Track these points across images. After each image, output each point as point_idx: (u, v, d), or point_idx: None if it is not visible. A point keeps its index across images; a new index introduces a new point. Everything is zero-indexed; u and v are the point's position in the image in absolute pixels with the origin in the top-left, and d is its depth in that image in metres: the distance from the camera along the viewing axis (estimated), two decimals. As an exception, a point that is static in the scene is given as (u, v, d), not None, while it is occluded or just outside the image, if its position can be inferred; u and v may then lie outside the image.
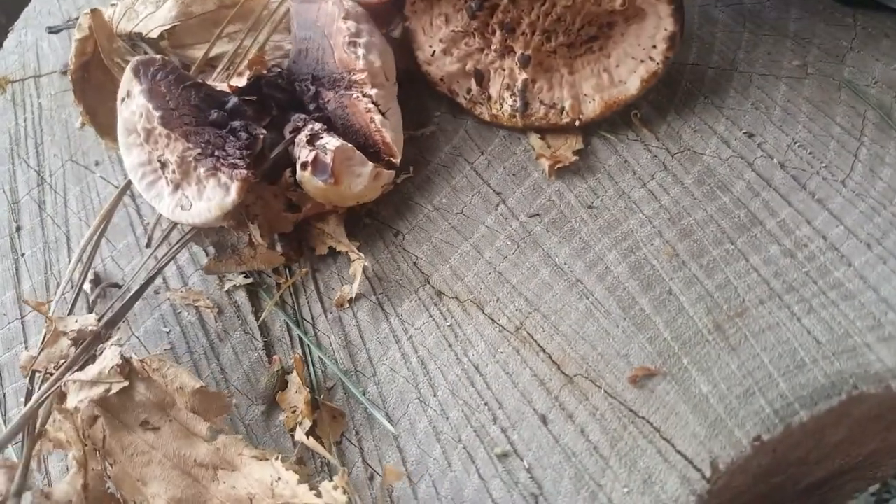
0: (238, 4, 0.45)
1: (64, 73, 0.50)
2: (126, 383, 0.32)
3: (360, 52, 0.38)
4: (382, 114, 0.38)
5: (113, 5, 0.44)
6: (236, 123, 0.38)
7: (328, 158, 0.37)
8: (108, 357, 0.33)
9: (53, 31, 0.52)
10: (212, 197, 0.37)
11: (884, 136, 0.39)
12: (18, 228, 0.46)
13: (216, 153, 0.37)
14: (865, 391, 0.32)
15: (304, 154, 0.38)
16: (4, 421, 0.39)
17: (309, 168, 0.37)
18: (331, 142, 0.37)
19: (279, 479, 0.31)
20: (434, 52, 0.41)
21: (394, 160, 0.39)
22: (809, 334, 0.34)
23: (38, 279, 0.44)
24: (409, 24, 0.42)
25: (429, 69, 0.42)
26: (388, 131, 0.39)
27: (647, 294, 0.36)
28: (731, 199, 0.38)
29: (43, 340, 0.35)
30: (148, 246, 0.41)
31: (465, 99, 0.42)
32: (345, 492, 0.29)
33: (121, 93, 0.39)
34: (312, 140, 0.38)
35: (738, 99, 0.41)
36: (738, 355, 0.33)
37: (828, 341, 0.33)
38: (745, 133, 0.40)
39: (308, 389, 0.35)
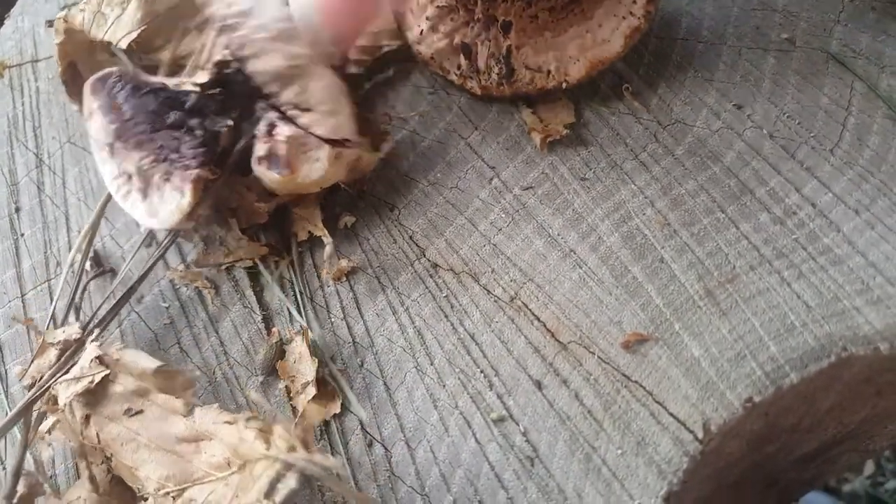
0: None
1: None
2: (106, 371, 0.33)
3: (250, 65, 0.37)
4: (306, 109, 0.37)
5: (82, 10, 0.44)
6: (193, 122, 0.37)
7: (281, 150, 0.36)
8: (87, 353, 0.34)
9: (52, 24, 0.52)
10: (170, 201, 0.37)
11: (870, 105, 0.39)
12: (17, 209, 0.47)
13: (170, 157, 0.37)
14: (854, 353, 0.33)
15: (259, 148, 0.37)
16: (6, 395, 0.40)
17: (264, 163, 0.37)
18: (283, 131, 0.37)
19: (241, 439, 0.31)
20: (422, 30, 0.42)
21: (347, 144, 0.38)
22: (799, 298, 0.34)
23: (38, 258, 0.44)
24: (396, 8, 0.42)
25: (419, 48, 0.43)
26: (321, 123, 0.37)
27: (639, 262, 0.36)
28: (721, 169, 0.38)
29: (34, 352, 0.36)
30: (149, 245, 0.42)
31: (456, 75, 0.43)
32: (287, 441, 0.29)
33: (84, 112, 0.39)
34: (269, 131, 0.37)
35: (728, 72, 0.41)
36: (728, 320, 0.34)
37: (817, 305, 0.34)
38: (734, 105, 0.40)
39: (319, 363, 0.36)
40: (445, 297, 0.38)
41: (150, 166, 0.37)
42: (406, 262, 0.39)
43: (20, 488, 0.34)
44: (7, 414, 0.38)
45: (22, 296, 0.43)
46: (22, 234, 0.45)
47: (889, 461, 1.04)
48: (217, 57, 0.39)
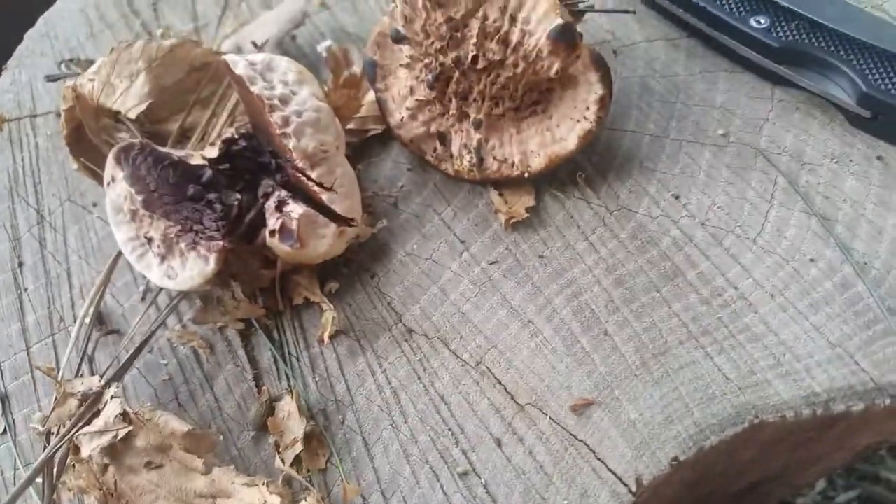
0: (209, 67, 0.48)
1: (59, 114, 0.54)
2: (130, 428, 0.37)
3: (291, 142, 0.41)
4: (328, 189, 0.42)
5: (91, 80, 0.47)
6: (212, 196, 0.42)
7: (293, 225, 0.41)
8: (111, 408, 0.38)
9: (52, 79, 0.55)
10: (193, 267, 0.41)
11: (790, 199, 0.45)
12: (21, 264, 0.50)
13: (194, 227, 0.42)
14: (765, 419, 0.39)
15: (271, 222, 0.42)
16: (15, 445, 0.43)
17: (277, 235, 0.42)
18: (295, 209, 0.42)
19: (265, 502, 0.36)
20: (402, 118, 0.47)
21: (352, 224, 0.43)
22: (720, 371, 0.40)
23: (42, 313, 0.48)
24: (380, 95, 0.47)
25: (399, 132, 0.48)
26: (338, 203, 0.42)
27: (587, 334, 0.42)
28: (658, 253, 0.44)
29: (54, 401, 0.39)
30: (143, 299, 0.46)
31: (432, 157, 0.48)
32: None
33: (106, 177, 0.43)
34: (280, 207, 0.42)
35: (669, 164, 0.47)
36: (660, 388, 0.40)
37: (735, 377, 0.40)
38: (672, 195, 0.46)
39: (307, 420, 0.40)
40: (419, 360, 0.43)
41: (178, 235, 0.41)
42: (384, 327, 0.44)
43: None
44: (15, 462, 0.42)
45: (27, 349, 0.46)
46: (26, 289, 0.49)
47: (840, 476, 1.09)
48: (226, 134, 0.44)
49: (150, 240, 0.42)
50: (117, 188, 0.42)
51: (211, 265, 0.41)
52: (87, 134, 0.47)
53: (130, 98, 0.46)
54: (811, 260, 0.43)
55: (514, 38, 0.42)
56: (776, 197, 0.46)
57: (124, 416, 0.37)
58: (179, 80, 0.47)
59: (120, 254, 0.44)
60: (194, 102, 0.47)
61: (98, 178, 0.46)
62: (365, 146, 0.50)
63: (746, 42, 0.49)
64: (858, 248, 0.43)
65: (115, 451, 0.37)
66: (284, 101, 0.41)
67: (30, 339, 0.47)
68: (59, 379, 0.40)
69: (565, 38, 0.41)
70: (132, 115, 0.46)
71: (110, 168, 0.43)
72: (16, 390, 0.45)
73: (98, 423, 0.37)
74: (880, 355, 0.40)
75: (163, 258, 0.42)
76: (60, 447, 0.38)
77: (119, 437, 0.37)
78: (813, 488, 1.10)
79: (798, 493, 1.02)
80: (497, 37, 0.42)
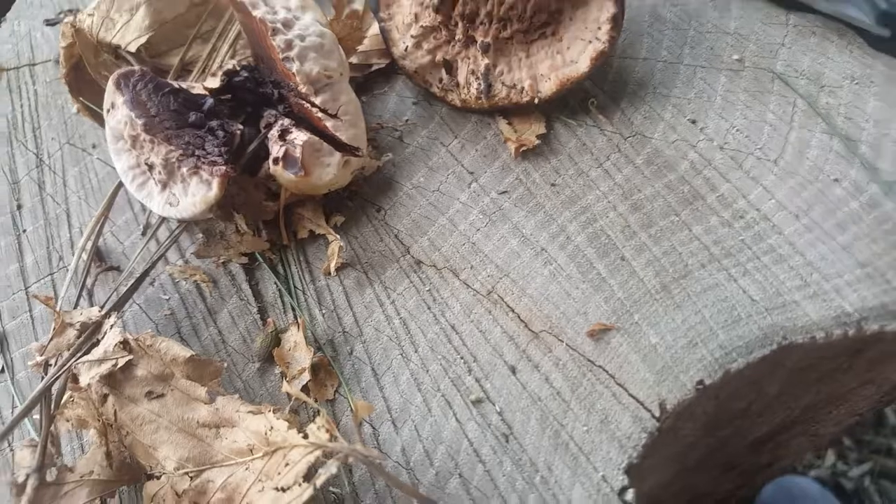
0: (209, 2, 0.47)
1: (58, 62, 0.53)
2: (130, 356, 0.36)
3: (294, 66, 0.40)
4: (333, 116, 0.41)
5: (90, 15, 0.46)
6: (213, 123, 0.41)
7: (297, 153, 0.40)
8: (111, 337, 0.36)
9: (50, 23, 0.54)
10: (196, 193, 0.40)
11: (810, 121, 0.44)
12: (19, 206, 0.49)
13: (197, 153, 0.40)
14: (794, 341, 0.37)
15: (275, 150, 0.41)
16: (13, 383, 0.42)
17: (280, 163, 0.40)
18: (299, 136, 0.40)
19: (272, 428, 0.34)
20: (407, 47, 0.45)
21: (357, 153, 0.42)
22: (745, 293, 0.38)
23: (41, 253, 0.46)
24: (383, 25, 0.46)
25: (404, 63, 0.46)
26: (343, 131, 0.41)
27: (603, 260, 0.40)
28: (676, 177, 0.42)
29: (52, 331, 0.38)
30: (144, 234, 0.44)
31: (438, 88, 0.46)
32: (328, 430, 0.32)
33: (105, 104, 0.42)
34: (283, 135, 0.41)
35: (684, 89, 0.46)
36: (682, 312, 0.38)
37: (761, 299, 0.38)
38: (689, 119, 0.44)
39: (313, 349, 0.39)
40: (428, 290, 0.41)
41: (179, 160, 0.40)
42: (392, 259, 0.43)
43: (24, 459, 0.36)
44: (13, 401, 0.41)
45: (26, 288, 0.45)
46: (24, 231, 0.47)
47: (851, 450, 1.08)
48: (227, 66, 0.42)
49: (150, 166, 0.41)
50: (117, 114, 0.41)
51: (214, 190, 0.39)
52: (87, 71, 0.46)
53: (130, 32, 0.45)
54: (835, 180, 0.41)
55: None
56: (796, 119, 0.44)
57: (124, 344, 0.36)
58: (180, 14, 0.46)
59: (120, 185, 0.43)
60: (195, 37, 0.46)
61: (97, 117, 0.45)
62: (368, 81, 0.49)
63: (762, -36, 0.47)
64: (885, 167, 0.41)
65: (115, 381, 0.36)
66: (287, 25, 0.40)
67: (28, 278, 0.45)
68: (57, 310, 0.38)
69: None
70: (132, 48, 0.45)
71: (110, 94, 0.41)
72: (14, 330, 0.44)
73: (97, 352, 0.36)
74: (911, 273, 0.38)
75: (164, 185, 0.41)
76: (59, 377, 0.36)
77: (119, 366, 0.36)
78: (823, 460, 1.08)
79: (818, 450, 1.00)
80: None
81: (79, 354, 0.37)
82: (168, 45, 0.46)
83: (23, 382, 0.42)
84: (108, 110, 0.41)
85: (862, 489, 1.06)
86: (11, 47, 0.57)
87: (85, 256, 0.42)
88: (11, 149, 0.51)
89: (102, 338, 0.37)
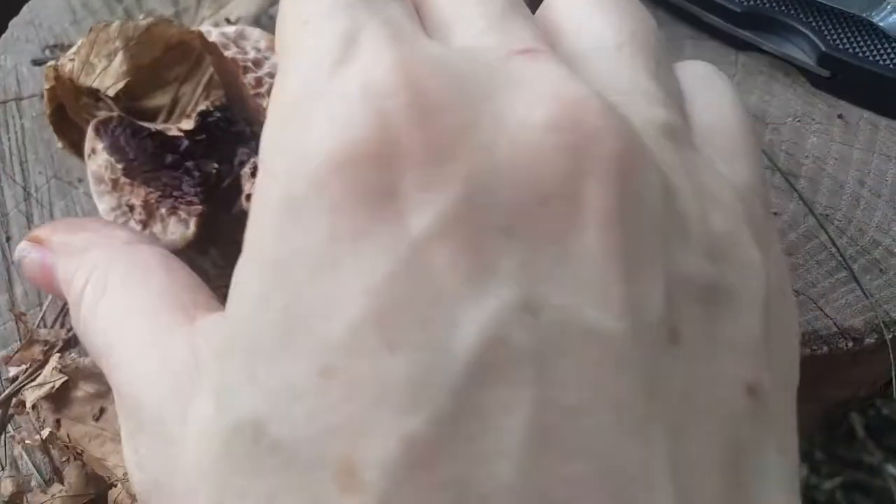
0: (184, 44, 0.49)
1: (42, 97, 0.55)
2: (65, 378, 0.39)
3: (265, 102, 0.41)
4: None
5: (71, 59, 0.48)
6: (189, 164, 0.43)
7: None
8: (50, 363, 0.40)
9: (37, 63, 0.56)
10: (174, 232, 0.43)
11: (754, 157, 0.47)
12: (8, 238, 0.51)
13: (174, 193, 0.43)
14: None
15: (247, 186, 0.43)
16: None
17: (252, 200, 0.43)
18: None
19: None
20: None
21: None
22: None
23: (29, 284, 0.49)
24: None
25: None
26: None
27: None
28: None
29: (20, 343, 0.41)
30: None
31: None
32: None
33: (86, 149, 0.44)
34: (254, 172, 0.43)
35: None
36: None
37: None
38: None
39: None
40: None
41: (157, 201, 0.42)
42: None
43: (6, 488, 0.39)
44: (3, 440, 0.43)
45: (16, 319, 0.47)
46: (13, 262, 0.49)
47: (823, 463, 1.11)
48: (201, 107, 0.45)
49: (131, 207, 0.43)
50: (98, 159, 0.44)
51: (191, 228, 0.42)
52: (69, 112, 0.48)
53: (109, 77, 0.47)
54: (776, 213, 0.44)
55: None
56: (742, 155, 0.47)
57: (63, 367, 0.39)
58: (156, 57, 0.49)
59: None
60: (172, 80, 0.48)
61: (81, 153, 0.47)
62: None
63: (709, 8, 0.50)
64: (821, 201, 0.45)
65: (62, 405, 0.39)
66: (258, 64, 0.43)
67: (18, 309, 0.48)
68: (28, 326, 0.41)
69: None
70: (111, 92, 0.47)
71: (90, 140, 0.44)
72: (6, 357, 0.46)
73: (40, 378, 0.39)
74: (842, 301, 0.41)
75: (144, 224, 0.43)
76: (12, 395, 0.39)
77: (55, 388, 0.39)
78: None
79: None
80: None
81: (27, 378, 0.40)
82: (146, 88, 0.49)
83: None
84: (90, 155, 0.44)
85: (833, 502, 1.09)
86: (-1, 81, 0.59)
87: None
88: (0, 182, 0.54)
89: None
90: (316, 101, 0.20)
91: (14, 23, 0.63)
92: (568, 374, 0.18)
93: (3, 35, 0.63)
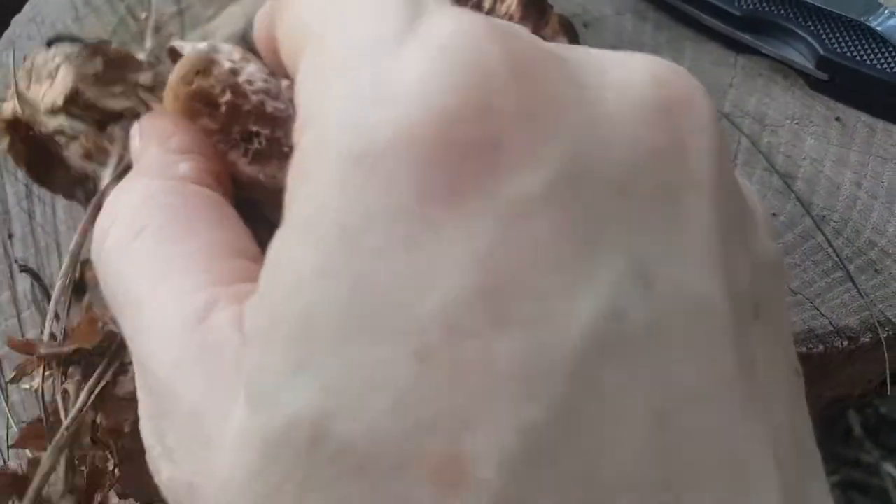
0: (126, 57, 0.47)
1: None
2: None
3: (245, 105, 0.41)
4: None
5: (9, 101, 0.46)
6: None
7: None
8: None
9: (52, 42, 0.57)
10: None
11: (753, 158, 0.48)
12: (11, 236, 0.51)
13: None
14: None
15: (233, 155, 0.43)
16: (8, 407, 0.44)
17: None
18: None
19: None
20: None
21: None
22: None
23: (32, 283, 0.49)
24: None
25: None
26: None
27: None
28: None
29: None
30: None
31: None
32: None
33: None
34: None
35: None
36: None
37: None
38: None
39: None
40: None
41: None
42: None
43: None
44: (8, 422, 0.43)
45: (18, 315, 0.47)
46: (16, 260, 0.50)
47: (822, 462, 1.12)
48: None
49: None
50: None
51: None
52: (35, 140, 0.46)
53: (56, 91, 0.46)
54: (773, 214, 0.45)
55: (487, 4, 0.44)
56: (740, 156, 0.48)
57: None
58: (100, 71, 0.47)
59: (96, 209, 0.45)
60: (130, 86, 0.47)
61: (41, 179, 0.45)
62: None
63: (710, 11, 0.51)
64: (818, 202, 0.45)
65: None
66: (234, 73, 0.43)
67: (20, 306, 0.48)
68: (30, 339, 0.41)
69: (535, 3, 0.43)
70: (60, 102, 0.46)
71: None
72: (8, 354, 0.46)
73: None
74: (838, 301, 0.42)
75: None
76: None
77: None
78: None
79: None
80: (470, 3, 0.44)
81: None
82: (96, 94, 0.47)
83: (17, 405, 0.45)
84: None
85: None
86: (0, 79, 0.59)
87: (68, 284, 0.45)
88: (2, 179, 0.54)
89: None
90: (390, 54, 0.17)
91: (17, 20, 0.63)
92: (682, 350, 0.16)
93: (6, 32, 0.63)
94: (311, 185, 0.17)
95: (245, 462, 0.16)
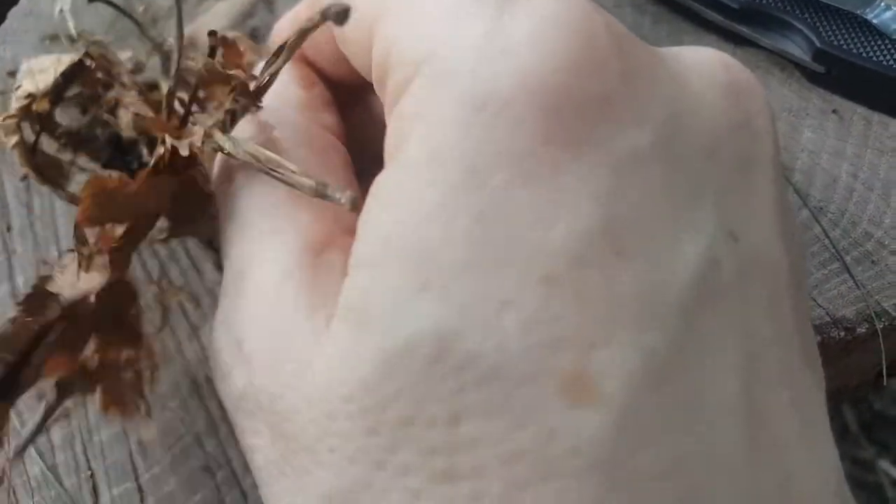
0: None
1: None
2: None
3: None
4: None
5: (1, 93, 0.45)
6: None
7: None
8: None
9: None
10: None
11: (750, 151, 0.48)
12: (9, 228, 0.51)
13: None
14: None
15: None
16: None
17: None
18: None
19: None
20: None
21: None
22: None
23: (31, 273, 0.49)
24: None
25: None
26: None
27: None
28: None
29: None
30: None
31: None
32: None
33: None
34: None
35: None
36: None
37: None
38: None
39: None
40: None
41: None
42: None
43: None
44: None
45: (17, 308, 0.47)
46: (14, 252, 0.50)
47: None
48: None
49: None
50: None
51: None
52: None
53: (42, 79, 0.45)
54: (770, 206, 0.45)
55: None
56: (738, 149, 0.48)
57: None
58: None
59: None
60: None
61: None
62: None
63: (708, 4, 0.51)
64: (815, 194, 0.46)
65: None
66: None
67: (19, 298, 0.48)
68: None
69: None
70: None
71: None
72: (6, 347, 0.46)
73: None
74: (835, 292, 0.42)
75: None
76: None
77: None
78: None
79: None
80: None
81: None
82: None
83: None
84: None
85: (831, 496, 1.10)
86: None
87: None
88: (0, 172, 0.54)
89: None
90: (497, 15, 0.19)
91: (13, 13, 0.63)
92: (759, 303, 0.19)
93: (3, 25, 0.62)
94: (425, 127, 0.18)
95: (352, 378, 0.17)
